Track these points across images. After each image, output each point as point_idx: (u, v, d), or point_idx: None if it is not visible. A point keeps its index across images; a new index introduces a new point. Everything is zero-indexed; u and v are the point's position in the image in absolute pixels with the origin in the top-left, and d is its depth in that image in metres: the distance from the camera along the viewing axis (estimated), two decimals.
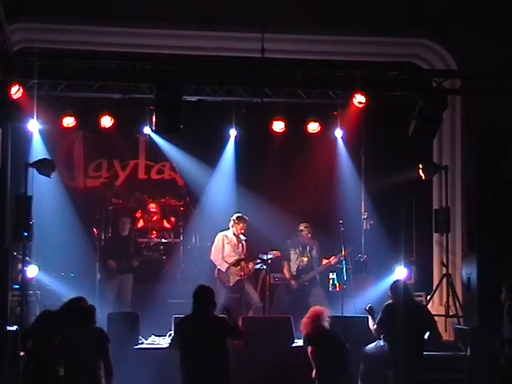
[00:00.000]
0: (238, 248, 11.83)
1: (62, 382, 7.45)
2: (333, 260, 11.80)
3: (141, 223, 13.51)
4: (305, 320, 8.71)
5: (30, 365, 7.71)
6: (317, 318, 8.60)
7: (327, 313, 8.81)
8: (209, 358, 7.46)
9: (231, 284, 11.71)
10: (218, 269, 11.79)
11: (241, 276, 11.68)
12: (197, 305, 7.72)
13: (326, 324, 8.64)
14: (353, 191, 13.05)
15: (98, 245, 12.57)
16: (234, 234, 11.83)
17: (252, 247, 12.04)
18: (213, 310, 7.77)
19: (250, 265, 11.79)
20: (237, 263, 11.72)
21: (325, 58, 12.10)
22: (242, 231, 11.83)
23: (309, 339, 8.54)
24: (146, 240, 13.18)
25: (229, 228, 11.88)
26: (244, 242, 11.89)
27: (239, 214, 11.84)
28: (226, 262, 11.71)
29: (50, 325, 7.67)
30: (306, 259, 11.97)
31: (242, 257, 11.77)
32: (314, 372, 8.44)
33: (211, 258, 11.85)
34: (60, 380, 7.52)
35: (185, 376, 7.57)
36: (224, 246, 11.79)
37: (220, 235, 11.86)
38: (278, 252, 11.88)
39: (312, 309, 8.88)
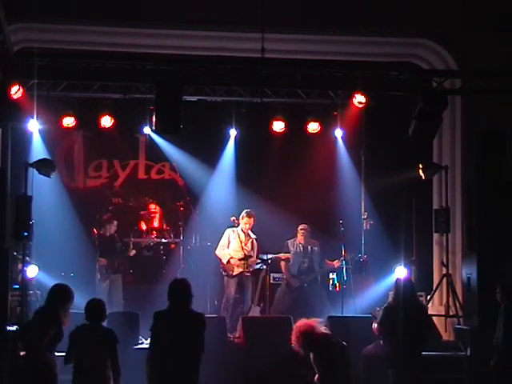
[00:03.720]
0: (246, 244, 11.77)
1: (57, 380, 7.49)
2: (336, 264, 11.76)
3: (141, 223, 13.51)
4: (295, 338, 8.47)
5: (28, 361, 7.71)
6: (306, 332, 8.49)
7: (316, 323, 8.58)
8: (179, 356, 7.17)
9: (234, 273, 11.66)
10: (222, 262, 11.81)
11: (245, 269, 11.63)
12: (172, 299, 7.39)
13: (322, 329, 8.50)
14: (353, 191, 13.06)
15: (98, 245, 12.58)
16: (242, 230, 11.80)
17: None
18: (189, 303, 7.40)
19: (252, 262, 11.76)
20: (244, 258, 11.64)
21: (325, 58, 12.12)
22: (248, 226, 11.74)
23: (310, 347, 8.43)
24: (146, 240, 13.18)
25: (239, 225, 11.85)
26: (254, 241, 11.82)
27: (246, 210, 11.80)
28: (229, 254, 11.70)
29: (44, 319, 7.69)
30: (307, 260, 11.94)
31: (251, 254, 11.75)
32: (316, 376, 8.40)
33: (216, 252, 11.86)
34: (56, 377, 7.55)
35: (151, 373, 7.28)
36: (230, 242, 11.78)
37: (228, 230, 11.84)
38: (288, 254, 11.84)
39: (296, 326, 8.56)
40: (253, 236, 11.83)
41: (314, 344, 8.42)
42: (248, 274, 11.70)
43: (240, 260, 11.66)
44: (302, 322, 8.63)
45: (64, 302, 7.70)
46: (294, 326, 8.63)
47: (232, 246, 11.77)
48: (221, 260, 11.81)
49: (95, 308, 7.59)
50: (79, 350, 7.41)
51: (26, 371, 7.68)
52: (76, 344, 7.43)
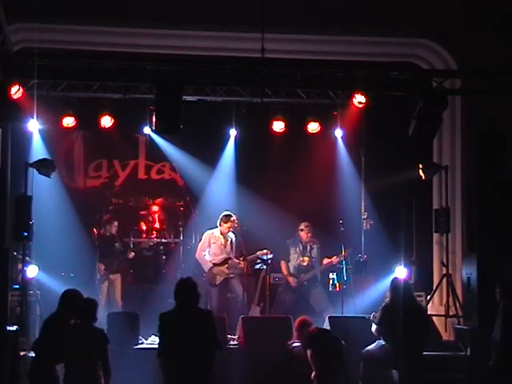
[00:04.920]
0: (225, 247, 11.80)
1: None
2: (334, 260, 11.77)
3: (141, 223, 13.51)
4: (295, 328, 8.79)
5: (37, 364, 7.70)
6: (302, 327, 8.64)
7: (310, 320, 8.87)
8: (192, 355, 7.09)
9: (217, 282, 11.68)
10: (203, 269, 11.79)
11: (227, 275, 11.67)
12: (178, 299, 7.28)
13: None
14: (353, 191, 13.05)
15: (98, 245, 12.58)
16: (221, 233, 11.80)
17: (252, 247, 12.02)
18: (197, 302, 7.32)
19: (242, 263, 11.74)
20: (224, 262, 11.70)
21: (325, 58, 12.11)
22: (230, 230, 11.77)
23: (308, 342, 8.50)
24: (146, 240, 13.18)
25: (217, 226, 11.84)
26: (234, 240, 11.83)
27: (226, 213, 11.77)
28: (210, 261, 11.70)
29: (54, 329, 7.66)
30: (306, 259, 11.94)
31: (230, 255, 11.76)
32: (313, 374, 8.43)
33: (196, 256, 11.87)
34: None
35: (166, 374, 7.19)
36: (210, 246, 11.78)
37: (206, 234, 11.83)
38: (267, 251, 11.84)
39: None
40: (231, 236, 11.84)
41: (311, 336, 8.45)
42: (231, 276, 11.70)
43: (220, 265, 11.67)
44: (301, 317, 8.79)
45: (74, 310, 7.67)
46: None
47: (212, 250, 11.77)
48: (202, 266, 11.79)
49: (87, 308, 7.56)
50: (69, 349, 7.41)
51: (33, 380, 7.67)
52: (66, 343, 7.42)
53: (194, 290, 7.32)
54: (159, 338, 7.30)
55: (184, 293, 7.30)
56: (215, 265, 11.71)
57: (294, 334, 8.93)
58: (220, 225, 11.75)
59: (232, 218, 11.71)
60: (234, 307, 11.61)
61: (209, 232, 11.84)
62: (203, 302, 11.57)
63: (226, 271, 11.70)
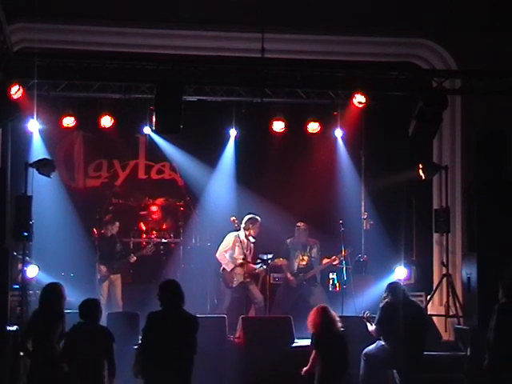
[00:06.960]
0: (246, 250, 11.79)
1: (67, 380, 7.45)
2: (334, 260, 11.78)
3: (141, 223, 13.51)
4: (314, 318, 8.52)
5: (35, 364, 7.69)
6: (326, 316, 8.49)
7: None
8: (170, 357, 7.14)
9: (235, 285, 11.71)
10: (223, 268, 11.78)
11: (245, 278, 11.66)
12: (164, 300, 7.33)
13: (337, 323, 8.49)
14: (353, 191, 13.05)
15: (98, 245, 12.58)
16: (246, 237, 11.79)
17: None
18: (182, 303, 7.36)
19: (251, 266, 11.79)
20: (241, 265, 11.70)
21: (325, 58, 12.12)
22: (255, 234, 11.78)
23: (317, 342, 8.41)
24: (145, 240, 13.18)
25: (240, 229, 11.82)
26: (252, 245, 11.86)
27: (251, 216, 11.76)
28: (232, 262, 11.71)
29: (48, 322, 7.69)
30: (306, 258, 11.96)
31: (248, 259, 11.75)
32: (304, 369, 8.38)
33: (216, 255, 11.84)
34: (65, 378, 7.52)
35: (145, 372, 7.25)
36: (234, 248, 11.78)
37: (232, 235, 11.80)
38: (283, 260, 11.87)
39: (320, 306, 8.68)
40: (252, 240, 11.84)
41: (319, 339, 8.35)
42: (248, 280, 11.68)
43: (239, 266, 11.68)
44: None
45: (64, 300, 7.79)
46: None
47: (235, 252, 11.77)
48: (221, 265, 11.80)
49: (89, 307, 7.57)
50: (74, 348, 7.40)
51: (39, 369, 7.66)
52: (71, 343, 7.42)
53: (179, 292, 7.37)
54: (143, 337, 7.34)
55: (169, 295, 7.34)
56: (235, 266, 11.72)
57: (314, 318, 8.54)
58: (246, 228, 11.72)
59: (258, 222, 11.72)
60: (254, 312, 11.63)
61: (234, 234, 11.80)
62: (213, 299, 11.66)
63: (244, 274, 11.69)
